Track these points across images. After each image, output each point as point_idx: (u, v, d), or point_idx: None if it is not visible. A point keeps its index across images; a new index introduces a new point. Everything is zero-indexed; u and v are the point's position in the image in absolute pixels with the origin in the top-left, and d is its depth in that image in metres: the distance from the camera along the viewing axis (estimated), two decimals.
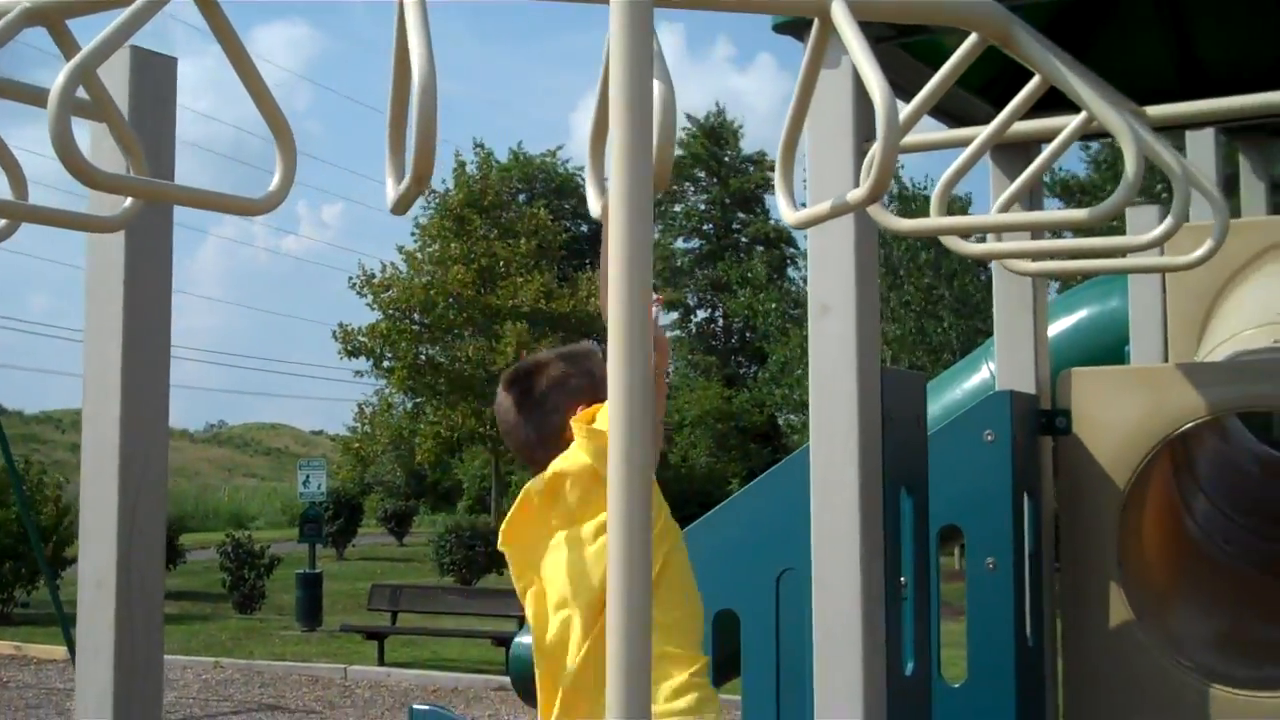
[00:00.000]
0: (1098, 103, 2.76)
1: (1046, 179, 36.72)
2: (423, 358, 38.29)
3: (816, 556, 4.02)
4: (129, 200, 2.85)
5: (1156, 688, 4.82)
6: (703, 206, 55.98)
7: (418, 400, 39.53)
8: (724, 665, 5.22)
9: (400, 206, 2.36)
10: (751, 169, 55.27)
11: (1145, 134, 3.39)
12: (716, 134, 54.45)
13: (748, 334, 51.74)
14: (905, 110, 3.10)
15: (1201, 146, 7.62)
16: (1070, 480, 4.99)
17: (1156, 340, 6.55)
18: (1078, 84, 2.79)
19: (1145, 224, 6.34)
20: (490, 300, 37.74)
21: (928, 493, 4.39)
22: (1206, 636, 5.22)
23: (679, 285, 55.94)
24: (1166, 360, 6.33)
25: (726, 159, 52.97)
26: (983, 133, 3.29)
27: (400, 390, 39.14)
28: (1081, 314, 8.79)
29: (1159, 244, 3.38)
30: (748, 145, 49.39)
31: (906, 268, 33.34)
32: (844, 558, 3.98)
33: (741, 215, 55.48)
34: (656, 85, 2.25)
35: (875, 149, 2.41)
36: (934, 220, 3.38)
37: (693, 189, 56.42)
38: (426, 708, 5.68)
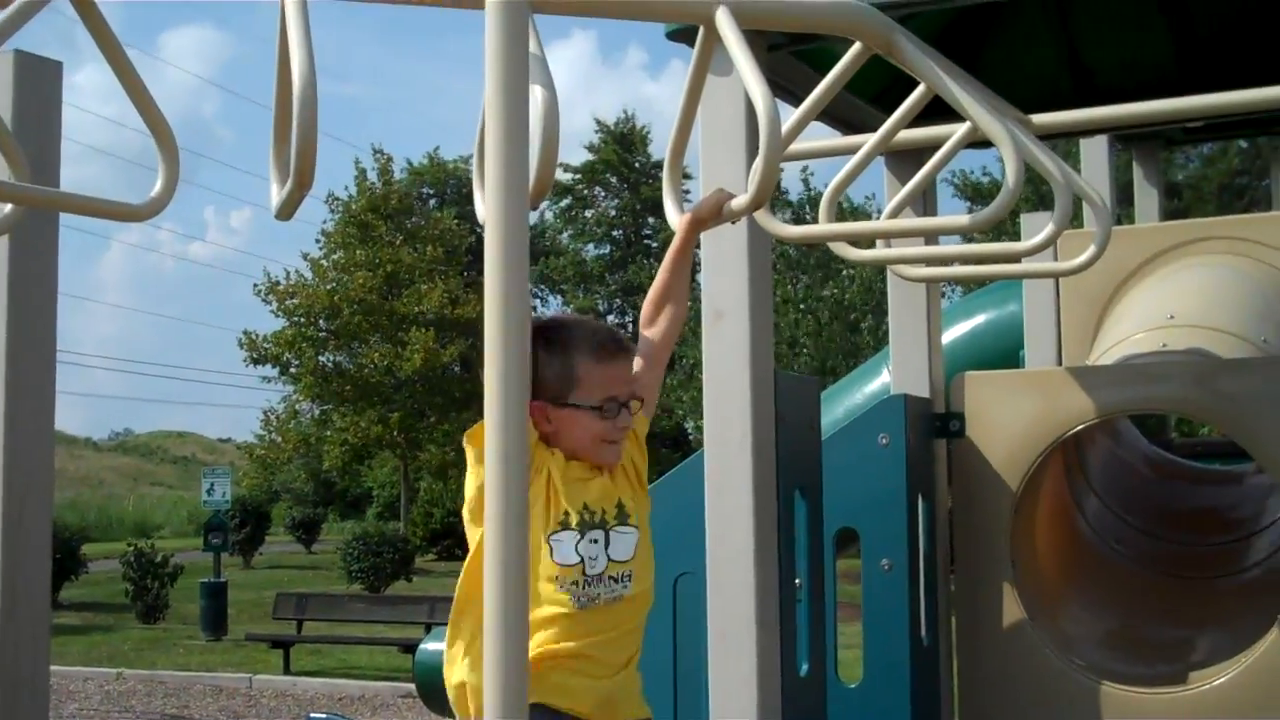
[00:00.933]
0: (979, 111, 2.81)
1: (959, 183, 36.90)
2: (329, 365, 38.02)
3: (711, 559, 4.05)
4: (9, 206, 2.81)
5: (1049, 687, 4.90)
6: (614, 212, 56.05)
7: (325, 407, 39.23)
8: None
9: (284, 211, 2.36)
10: (663, 175, 55.29)
11: (1028, 141, 3.45)
12: (627, 140, 54.55)
13: None
14: (791, 118, 3.14)
15: (1095, 154, 7.76)
16: (964, 482, 5.06)
17: (1050, 345, 6.66)
18: (960, 92, 2.85)
19: (1040, 230, 6.44)
20: (396, 306, 37.55)
21: (822, 495, 4.43)
22: (1098, 635, 5.31)
23: (590, 291, 55.93)
24: (1061, 364, 6.44)
25: (638, 165, 53.11)
26: (870, 140, 3.34)
27: (307, 397, 38.83)
28: (980, 319, 8.91)
29: (1041, 249, 3.44)
30: (659, 151, 49.37)
31: (828, 268, 33.69)
32: (738, 560, 4.02)
33: (652, 220, 55.60)
34: (539, 90, 2.26)
35: (758, 157, 2.44)
36: (822, 227, 3.43)
37: (604, 195, 56.49)
38: (323, 716, 5.64)
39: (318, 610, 19.75)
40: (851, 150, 3.94)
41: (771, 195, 2.51)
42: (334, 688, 17.06)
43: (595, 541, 3.19)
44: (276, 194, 2.35)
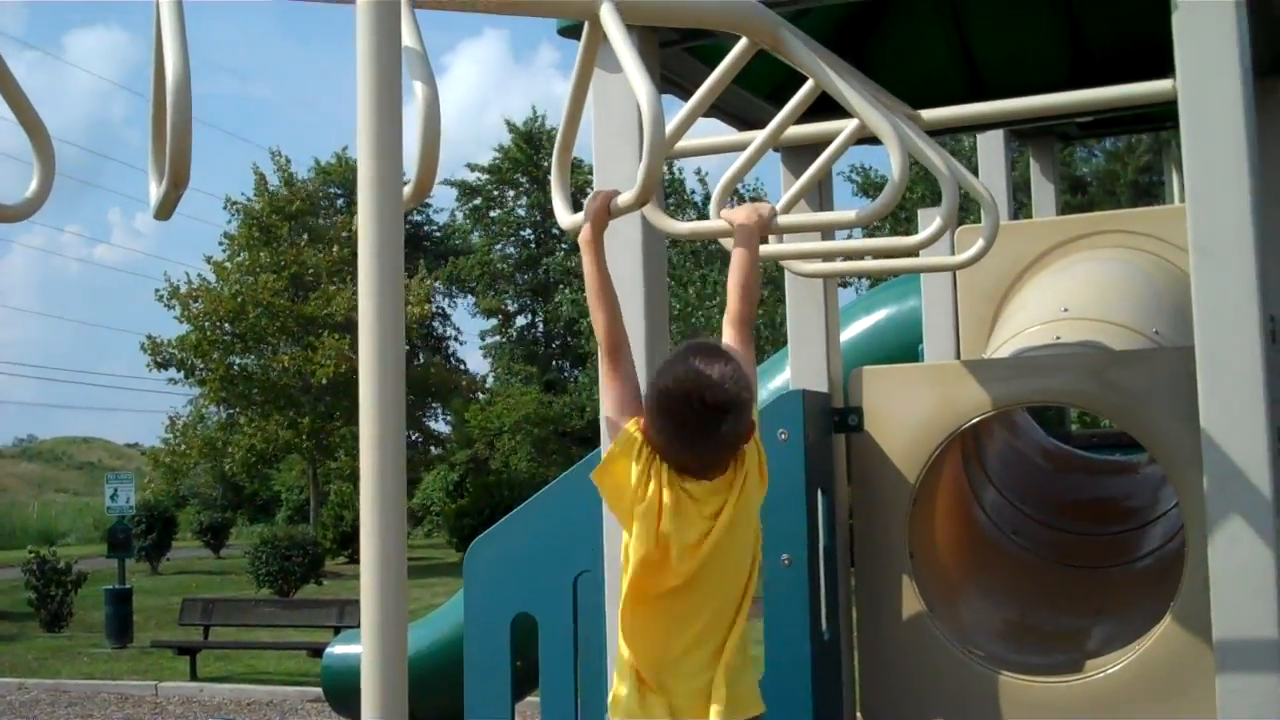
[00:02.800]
0: (863, 105, 2.83)
1: (860, 180, 37.12)
2: (235, 368, 37.59)
3: (609, 557, 4.05)
4: None
5: (948, 677, 4.94)
6: (522, 212, 55.86)
7: (231, 411, 38.79)
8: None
9: (162, 211, 2.32)
10: (572, 174, 55.18)
11: (915, 136, 3.48)
12: (535, 140, 54.39)
13: (569, 338, 51.75)
14: (678, 114, 3.15)
15: (991, 150, 7.85)
16: (863, 476, 5.10)
17: (949, 339, 6.72)
18: (845, 88, 2.86)
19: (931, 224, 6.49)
20: (303, 309, 37.20)
21: None
22: (996, 626, 5.36)
23: (499, 291, 55.69)
24: (959, 358, 6.50)
25: (546, 164, 52.97)
26: (758, 137, 3.35)
27: (214, 401, 38.38)
28: (881, 314, 8.99)
29: (929, 243, 3.47)
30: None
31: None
32: None
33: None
34: (420, 87, 2.24)
35: (643, 152, 2.44)
36: (712, 223, 3.43)
37: (513, 194, 56.27)
38: None
39: (225, 615, 19.52)
40: (739, 146, 3.96)
41: (657, 190, 2.52)
42: (241, 693, 16.87)
43: None
44: (155, 193, 2.32)
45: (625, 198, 2.59)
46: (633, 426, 3.33)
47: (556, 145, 3.08)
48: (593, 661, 4.64)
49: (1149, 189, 39.06)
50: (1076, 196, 39.20)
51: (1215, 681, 3.49)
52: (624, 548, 3.45)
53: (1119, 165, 41.04)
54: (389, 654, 1.75)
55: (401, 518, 1.73)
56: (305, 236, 38.77)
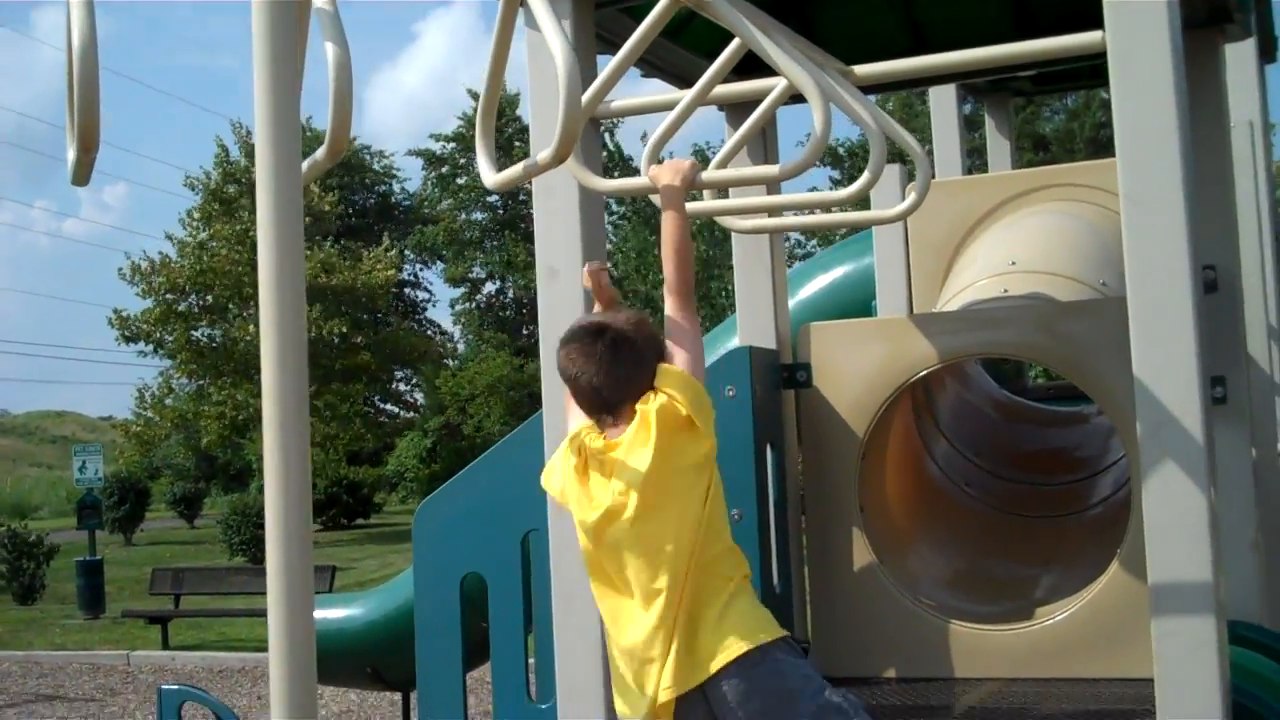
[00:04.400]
0: (786, 61, 2.84)
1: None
2: (202, 340, 37.42)
3: (553, 515, 4.07)
4: None
5: (899, 627, 4.99)
6: None
7: (200, 382, 38.62)
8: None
9: (78, 176, 2.32)
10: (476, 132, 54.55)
11: (843, 92, 3.49)
12: (499, 107, 53.97)
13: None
14: (603, 72, 3.15)
15: (943, 106, 7.87)
16: (812, 431, 5.13)
17: (901, 294, 6.75)
18: (769, 44, 2.87)
19: (886, 183, 6.51)
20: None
21: None
22: (947, 575, 5.42)
23: (467, 258, 55.48)
24: (911, 313, 6.53)
25: (510, 131, 52.75)
26: (687, 95, 3.36)
27: (183, 373, 38.22)
28: (838, 272, 9.00)
29: (858, 197, 3.49)
30: (528, 115, 49.00)
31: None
32: None
33: (529, 186, 54.99)
34: (331, 48, 2.25)
35: (559, 110, 2.45)
36: (637, 180, 3.44)
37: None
38: (175, 688, 5.60)
39: (196, 584, 19.51)
40: (670, 106, 3.96)
41: (574, 147, 2.53)
42: (213, 661, 16.90)
43: None
44: (70, 160, 2.32)
45: (544, 156, 2.59)
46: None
47: (480, 105, 3.08)
48: (544, 620, 4.67)
49: (1106, 144, 39.23)
50: (1040, 154, 39.33)
51: (1150, 625, 3.53)
52: None
53: (1077, 123, 41.26)
54: (296, 641, 1.77)
55: (306, 496, 1.74)
56: None
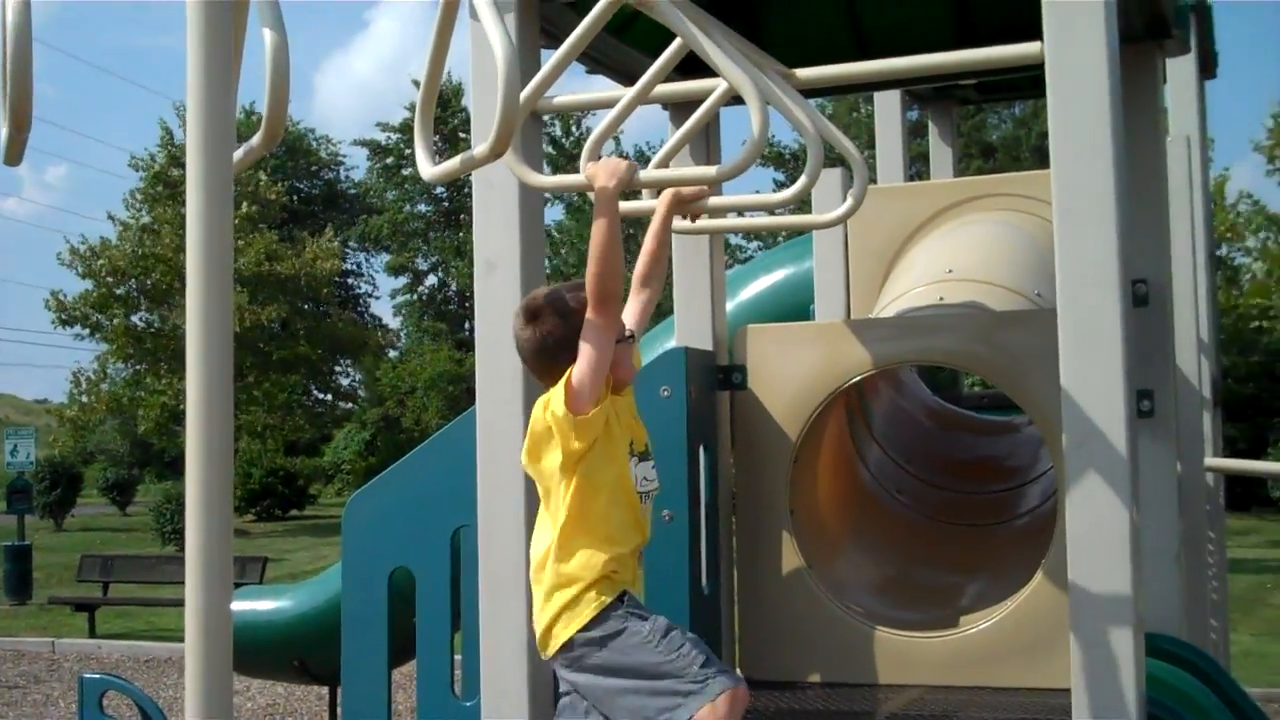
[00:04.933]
0: (724, 61, 2.84)
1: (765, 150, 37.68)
2: (140, 325, 37.07)
3: (483, 512, 4.06)
4: None
5: (826, 632, 5.00)
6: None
7: (137, 368, 38.27)
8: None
9: (10, 156, 2.29)
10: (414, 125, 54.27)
11: (782, 95, 3.49)
12: (443, 97, 53.82)
13: None
14: (543, 68, 3.14)
15: (887, 112, 7.90)
16: (745, 433, 5.13)
17: (839, 299, 6.77)
18: (709, 44, 2.87)
19: (828, 187, 6.53)
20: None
21: None
22: (875, 581, 5.43)
23: (411, 249, 55.30)
24: (849, 318, 6.55)
25: (455, 122, 52.56)
26: (628, 93, 3.35)
27: (119, 358, 37.86)
28: (778, 275, 9.02)
29: (794, 201, 3.50)
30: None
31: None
32: (510, 512, 4.04)
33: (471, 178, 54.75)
34: (269, 34, 2.22)
35: (498, 104, 2.44)
36: (573, 176, 3.44)
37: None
38: (97, 677, 5.53)
39: (125, 572, 19.33)
40: (611, 103, 3.95)
41: (511, 142, 2.52)
42: (140, 650, 16.75)
43: (646, 464, 3.84)
44: (2, 138, 2.29)
45: (480, 150, 2.58)
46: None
47: (419, 96, 3.07)
48: (471, 618, 4.65)
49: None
50: (987, 161, 39.70)
51: (1069, 637, 3.56)
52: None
53: (1024, 131, 41.69)
54: (212, 634, 1.75)
55: (227, 496, 1.72)
56: None
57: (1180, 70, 7.33)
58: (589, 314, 3.54)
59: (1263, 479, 25.27)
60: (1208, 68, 7.96)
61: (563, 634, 3.64)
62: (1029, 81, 7.70)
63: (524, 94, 2.74)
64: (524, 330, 3.69)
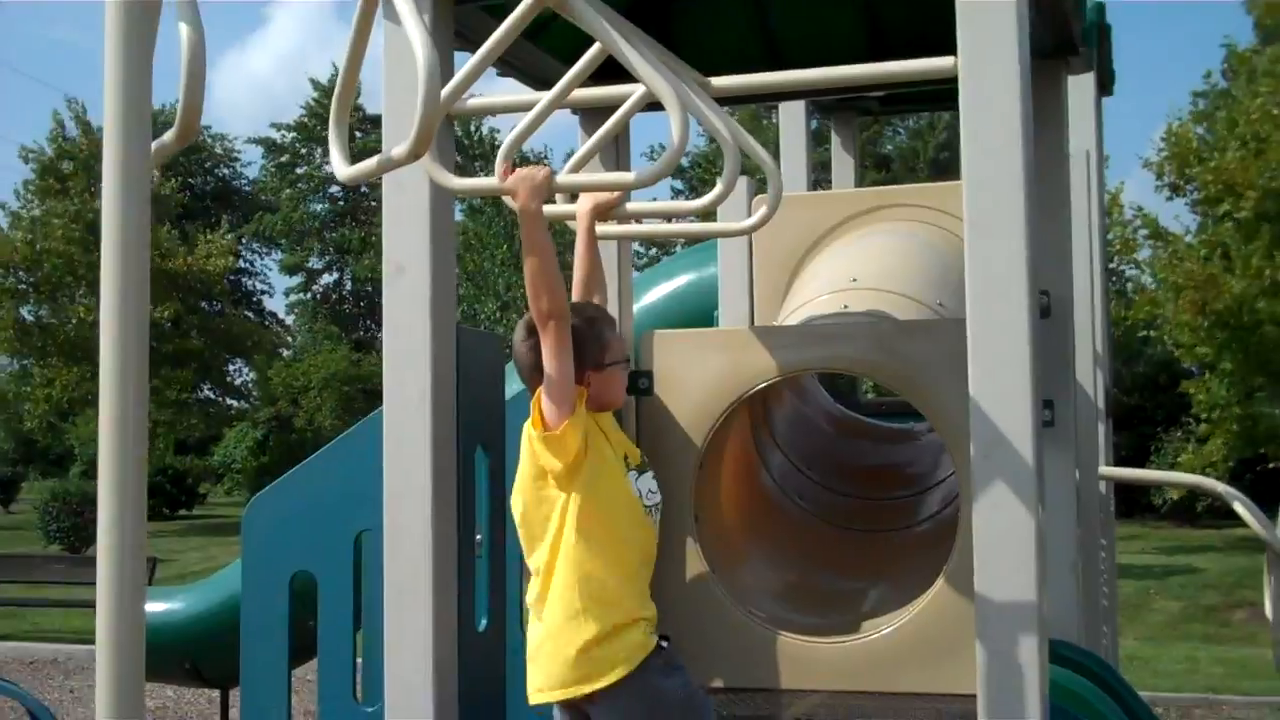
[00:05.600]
0: (646, 69, 2.83)
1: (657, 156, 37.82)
2: (29, 318, 36.34)
3: (388, 515, 4.02)
4: None
5: (729, 638, 5.01)
6: (329, 169, 54.78)
7: (24, 363, 37.51)
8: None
9: None
10: (379, 130, 54.02)
11: (700, 103, 3.51)
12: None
13: (377, 298, 51.04)
14: (461, 71, 3.12)
15: (792, 122, 7.95)
16: (651, 439, 5.12)
17: (743, 305, 6.79)
18: (630, 51, 2.87)
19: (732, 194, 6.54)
20: (96, 260, 36.04)
21: (504, 452, 4.44)
22: (778, 587, 5.45)
23: (305, 248, 54.76)
24: (753, 325, 6.58)
25: (353, 121, 52.18)
26: (545, 97, 3.34)
27: (6, 352, 37.09)
28: (682, 280, 9.05)
29: (709, 208, 3.52)
30: (375, 106, 48.33)
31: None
32: (416, 516, 4.01)
33: (374, 180, 54.23)
34: (185, 30, 2.19)
35: (417, 107, 2.42)
36: (493, 181, 3.42)
37: (321, 152, 55.25)
38: None
39: (9, 572, 18.90)
40: (527, 107, 3.94)
41: (429, 145, 2.50)
42: (25, 651, 16.41)
43: (647, 477, 4.03)
44: None
45: (399, 151, 2.56)
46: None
47: (335, 95, 3.03)
48: (375, 620, 4.61)
49: (947, 165, 40.42)
50: (882, 173, 40.18)
51: (974, 642, 3.60)
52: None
53: (920, 143, 42.29)
54: (124, 638, 1.72)
55: (142, 499, 1.68)
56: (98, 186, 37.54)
57: (1080, 87, 7.46)
58: (542, 337, 3.63)
59: (1146, 487, 25.80)
60: (1105, 85, 8.11)
61: (586, 688, 3.73)
62: (931, 95, 7.83)
63: (443, 94, 2.72)
64: (523, 344, 3.77)
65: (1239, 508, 8.11)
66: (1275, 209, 20.54)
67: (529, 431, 3.71)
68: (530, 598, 3.86)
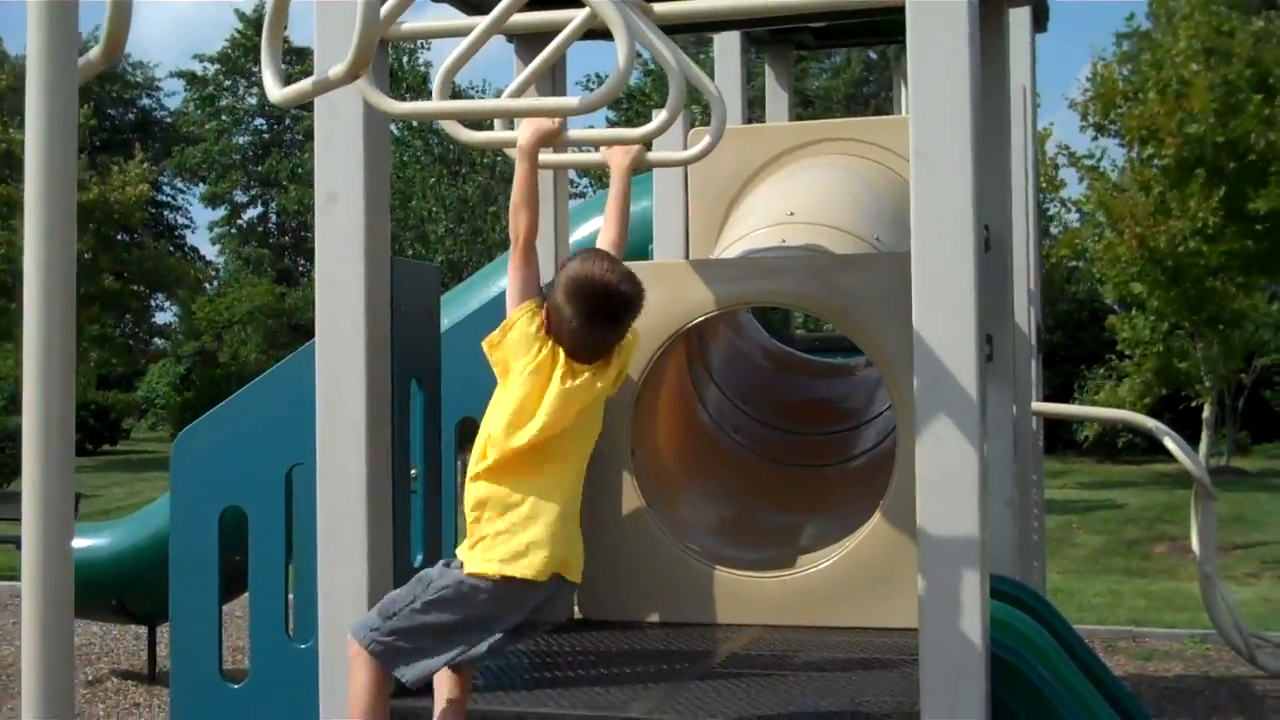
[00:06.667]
0: None
1: (594, 86, 37.42)
2: None
3: (321, 450, 3.95)
4: None
5: (665, 572, 5.00)
6: (253, 100, 54.00)
7: None
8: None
9: None
10: (304, 63, 53.47)
11: (646, 29, 3.43)
12: (255, 25, 52.50)
13: (303, 231, 50.49)
14: None
15: (727, 53, 7.86)
16: None
17: (678, 239, 6.73)
18: None
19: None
20: (12, 192, 35.33)
21: (440, 385, 4.37)
22: (714, 522, 5.44)
23: (229, 180, 53.95)
24: (688, 258, 6.52)
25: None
26: (483, 22, 3.26)
27: None
28: None
29: (654, 135, 3.46)
30: (301, 38, 47.64)
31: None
32: (350, 450, 3.94)
33: (295, 110, 53.57)
34: None
35: (356, 27, 2.33)
36: (432, 104, 3.34)
37: (245, 84, 54.37)
38: None
39: None
40: (465, 31, 3.85)
41: (368, 65, 2.41)
42: None
43: None
44: None
45: (336, 70, 2.47)
46: (534, 304, 3.64)
47: (267, 16, 2.93)
48: (306, 557, 4.54)
49: (864, 102, 40.97)
50: (806, 110, 40.32)
51: (916, 577, 3.59)
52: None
53: (836, 81, 42.71)
54: (52, 577, 1.65)
55: (69, 422, 1.61)
56: (17, 118, 36.80)
57: (1016, 23, 7.42)
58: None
59: (1069, 422, 26.09)
60: (1040, 21, 8.08)
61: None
62: (865, 28, 7.77)
63: (382, 12, 2.63)
64: (635, 315, 3.78)
65: (1169, 443, 8.20)
66: (1195, 156, 20.73)
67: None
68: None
